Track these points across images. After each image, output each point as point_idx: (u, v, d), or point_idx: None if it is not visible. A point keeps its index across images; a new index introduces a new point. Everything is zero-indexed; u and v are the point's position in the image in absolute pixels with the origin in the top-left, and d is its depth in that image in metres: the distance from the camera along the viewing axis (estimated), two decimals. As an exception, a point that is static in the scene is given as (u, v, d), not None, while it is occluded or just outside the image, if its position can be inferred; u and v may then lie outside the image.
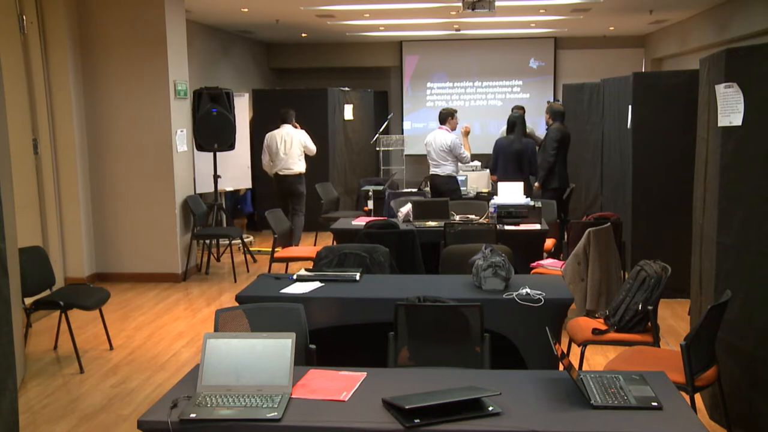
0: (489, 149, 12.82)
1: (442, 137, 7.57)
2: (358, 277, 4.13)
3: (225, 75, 11.35)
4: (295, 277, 4.14)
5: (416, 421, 2.33)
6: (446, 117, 7.67)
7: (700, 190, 4.00)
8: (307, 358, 3.23)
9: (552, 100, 11.90)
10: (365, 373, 2.75)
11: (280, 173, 8.26)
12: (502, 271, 3.85)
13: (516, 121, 7.81)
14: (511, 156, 7.69)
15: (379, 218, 6.35)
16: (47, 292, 5.07)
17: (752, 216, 3.51)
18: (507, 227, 5.90)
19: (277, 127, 8.30)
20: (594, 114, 8.63)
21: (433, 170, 7.70)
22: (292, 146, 8.22)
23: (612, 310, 4.10)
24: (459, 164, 7.71)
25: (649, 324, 3.96)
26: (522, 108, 9.04)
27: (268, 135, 8.28)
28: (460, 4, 7.53)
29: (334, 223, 6.62)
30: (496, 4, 7.40)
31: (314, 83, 13.10)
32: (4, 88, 4.28)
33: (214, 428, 2.37)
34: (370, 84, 13.42)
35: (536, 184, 7.71)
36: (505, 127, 8.06)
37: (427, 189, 8.17)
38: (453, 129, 7.67)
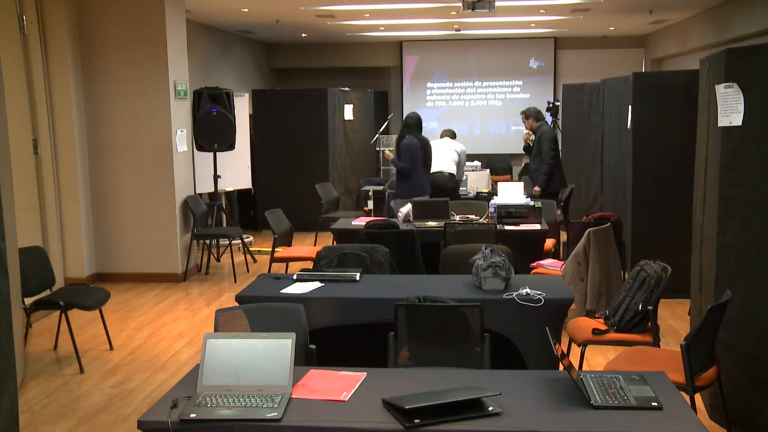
0: (489, 149, 12.97)
1: (455, 143, 8.04)
2: (358, 277, 4.12)
3: (225, 75, 11.35)
4: (295, 277, 4.14)
5: (416, 421, 2.33)
6: (454, 135, 8.25)
7: (700, 190, 3.99)
8: (307, 358, 3.23)
9: (552, 100, 11.89)
10: (365, 373, 2.75)
11: None
12: (502, 271, 3.85)
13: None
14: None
15: (379, 218, 6.35)
16: (47, 292, 5.07)
17: (752, 216, 3.51)
18: (507, 227, 5.90)
19: None
20: (594, 114, 8.63)
21: (434, 169, 7.65)
22: None
23: (612, 310, 4.10)
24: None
25: (649, 324, 3.95)
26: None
27: None
28: (460, 4, 7.54)
29: (334, 223, 6.61)
30: (496, 4, 7.40)
31: (314, 83, 13.10)
32: (4, 88, 4.28)
33: (214, 428, 2.37)
34: (370, 84, 13.42)
35: (536, 188, 7.55)
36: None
37: None
38: None
